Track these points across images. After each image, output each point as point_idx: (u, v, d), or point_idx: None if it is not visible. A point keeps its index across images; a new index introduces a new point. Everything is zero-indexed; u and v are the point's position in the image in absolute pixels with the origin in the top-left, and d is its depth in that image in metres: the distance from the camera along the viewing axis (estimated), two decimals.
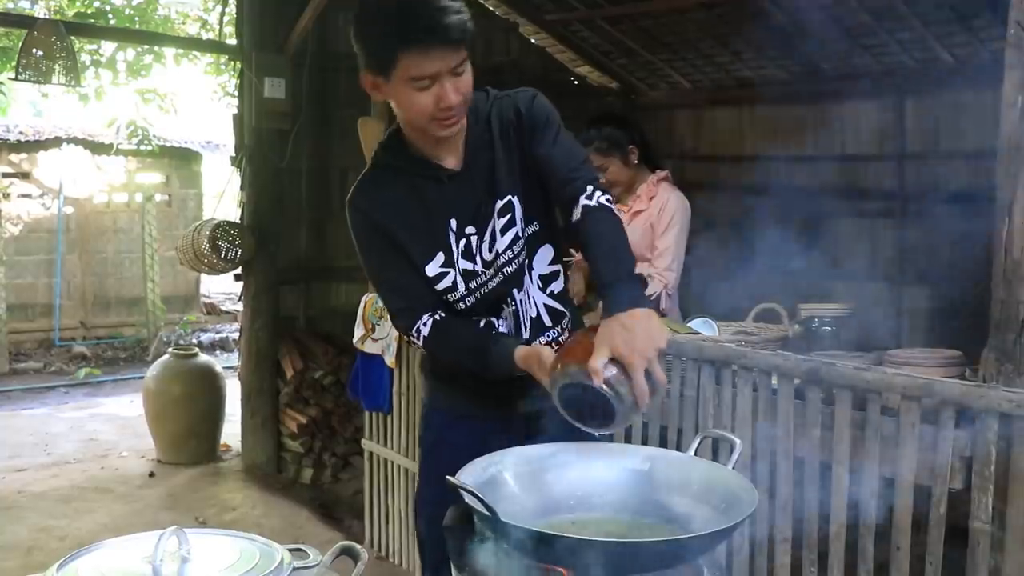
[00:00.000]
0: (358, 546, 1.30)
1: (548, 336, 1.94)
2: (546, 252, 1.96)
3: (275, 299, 5.22)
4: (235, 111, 5.33)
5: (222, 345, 10.04)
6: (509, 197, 1.89)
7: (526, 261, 1.93)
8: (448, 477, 1.39)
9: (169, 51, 8.71)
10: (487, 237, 1.89)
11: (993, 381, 1.95)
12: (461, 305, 1.91)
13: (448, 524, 1.49)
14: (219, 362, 6.04)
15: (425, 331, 1.88)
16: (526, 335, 1.91)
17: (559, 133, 1.91)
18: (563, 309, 1.98)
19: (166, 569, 1.18)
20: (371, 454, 4.01)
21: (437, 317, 1.88)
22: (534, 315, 1.93)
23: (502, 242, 1.89)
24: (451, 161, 1.90)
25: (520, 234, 1.90)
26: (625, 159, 3.47)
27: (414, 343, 1.93)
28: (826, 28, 4.59)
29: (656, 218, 3.40)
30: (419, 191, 1.89)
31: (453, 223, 1.89)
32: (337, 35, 5.26)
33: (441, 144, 1.89)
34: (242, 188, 5.22)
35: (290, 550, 1.32)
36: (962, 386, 1.96)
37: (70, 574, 1.22)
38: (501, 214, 1.89)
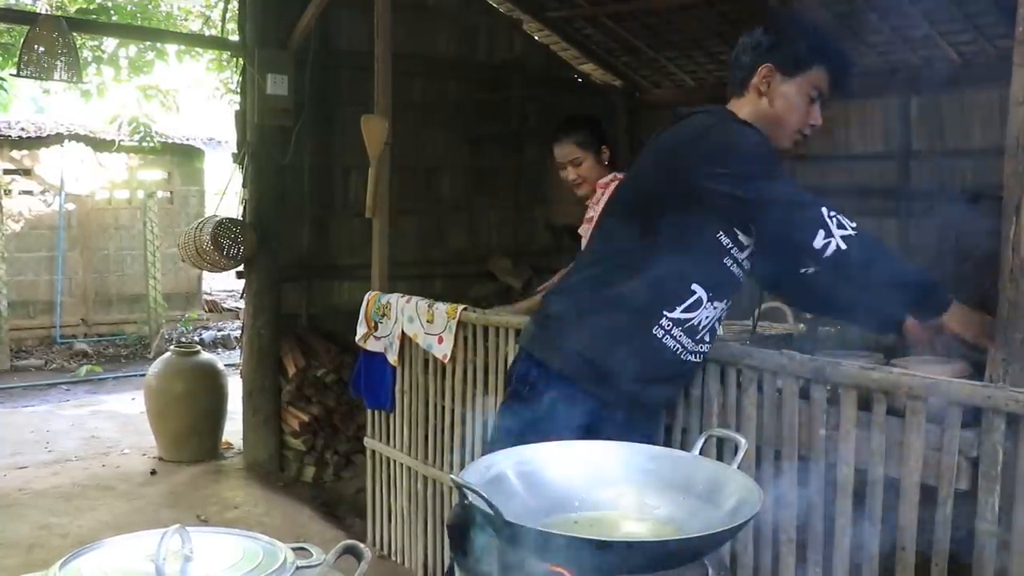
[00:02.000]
0: (361, 545, 1.29)
1: None
2: None
3: (277, 297, 5.22)
4: (237, 108, 5.32)
5: (224, 343, 10.04)
6: None
7: None
8: (452, 476, 1.39)
9: (171, 47, 8.70)
10: None
11: (1000, 381, 1.94)
12: None
13: (451, 523, 1.48)
14: (221, 360, 6.03)
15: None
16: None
17: None
18: None
19: (169, 568, 1.18)
20: (373, 452, 4.00)
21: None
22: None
23: None
24: None
25: None
26: (599, 157, 3.55)
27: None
28: (831, 26, 4.58)
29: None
30: None
31: None
32: (340, 32, 5.26)
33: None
34: (244, 185, 5.21)
35: (293, 549, 1.31)
36: (969, 386, 1.95)
37: (72, 572, 1.21)
38: None
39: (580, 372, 2.17)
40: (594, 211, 3.55)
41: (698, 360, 2.26)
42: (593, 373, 2.16)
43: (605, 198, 3.48)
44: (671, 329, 2.15)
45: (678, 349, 2.17)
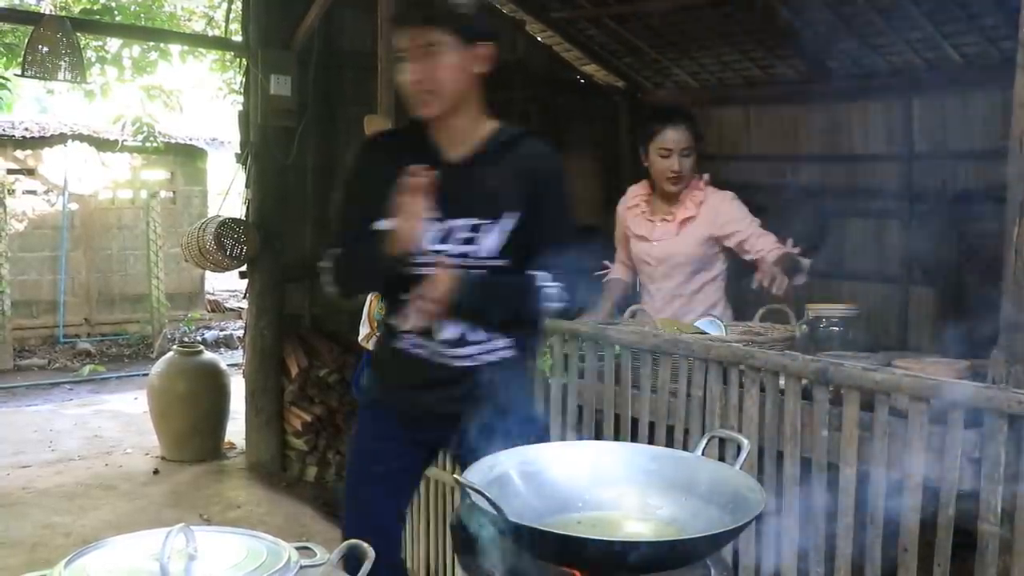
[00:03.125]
0: (365, 544, 1.29)
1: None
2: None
3: (280, 297, 5.22)
4: (240, 108, 5.33)
5: (226, 343, 10.04)
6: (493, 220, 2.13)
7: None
8: (456, 476, 1.39)
9: (175, 48, 8.71)
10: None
11: (1002, 382, 1.94)
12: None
13: (455, 523, 1.49)
14: (223, 360, 6.04)
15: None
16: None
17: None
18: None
19: (173, 566, 1.18)
20: None
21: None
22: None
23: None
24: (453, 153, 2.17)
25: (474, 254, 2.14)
26: (698, 154, 3.40)
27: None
28: (835, 27, 4.58)
29: (718, 226, 3.31)
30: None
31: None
32: (343, 32, 5.26)
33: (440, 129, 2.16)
34: (247, 185, 5.22)
35: (297, 548, 1.31)
36: (971, 387, 1.95)
37: (77, 571, 1.22)
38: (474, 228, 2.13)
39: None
40: (666, 225, 3.36)
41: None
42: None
43: (711, 210, 3.30)
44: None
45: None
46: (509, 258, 2.15)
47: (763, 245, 3.22)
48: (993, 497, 1.91)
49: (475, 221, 2.13)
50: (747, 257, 3.26)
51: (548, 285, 2.10)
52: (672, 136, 3.32)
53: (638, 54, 5.71)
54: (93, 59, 8.27)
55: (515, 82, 5.82)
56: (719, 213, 3.32)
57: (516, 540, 1.34)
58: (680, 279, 3.40)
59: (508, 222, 2.14)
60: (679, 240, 3.37)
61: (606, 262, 3.62)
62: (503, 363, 2.20)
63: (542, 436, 2.24)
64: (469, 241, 2.14)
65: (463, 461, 2.09)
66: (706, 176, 3.43)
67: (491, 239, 2.14)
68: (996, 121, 4.18)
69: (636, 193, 3.56)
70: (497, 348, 2.20)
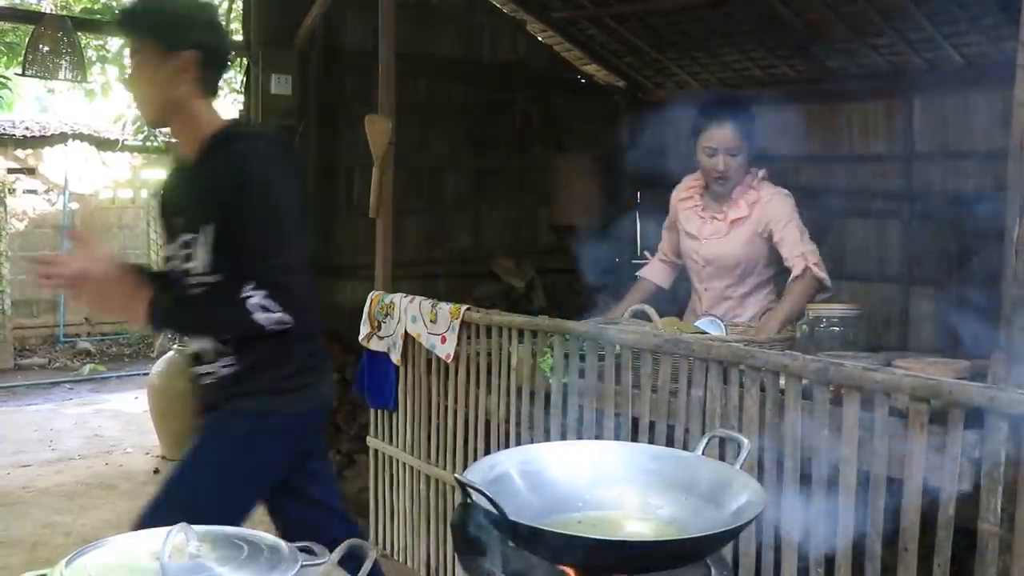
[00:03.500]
0: (366, 544, 1.29)
1: None
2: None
3: None
4: (241, 107, 5.33)
5: None
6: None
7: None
8: (455, 475, 1.39)
9: None
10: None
11: (1003, 382, 1.94)
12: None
13: (455, 522, 1.49)
14: None
15: None
16: None
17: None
18: None
19: (174, 566, 1.18)
20: (376, 452, 4.00)
21: None
22: None
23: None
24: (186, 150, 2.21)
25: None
26: (749, 156, 3.16)
27: None
28: (835, 27, 4.58)
29: (762, 224, 3.16)
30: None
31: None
32: (344, 32, 5.26)
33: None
34: None
35: (298, 547, 1.31)
36: (972, 387, 1.95)
37: (78, 570, 1.22)
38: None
39: None
40: (716, 224, 3.21)
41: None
42: None
43: (764, 210, 3.13)
44: None
45: None
46: (223, 272, 2.08)
47: (787, 253, 3.10)
48: (993, 497, 1.91)
49: (188, 236, 2.12)
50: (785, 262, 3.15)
51: (251, 296, 2.00)
52: (717, 134, 3.11)
53: (639, 54, 5.71)
54: (94, 58, 8.27)
55: (516, 82, 5.83)
56: (766, 211, 3.16)
57: (516, 539, 1.34)
58: (729, 281, 3.27)
59: (208, 235, 2.08)
60: (728, 241, 3.24)
61: (646, 252, 3.47)
62: (232, 379, 2.20)
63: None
64: (188, 258, 2.13)
65: None
66: (762, 172, 3.23)
67: (201, 253, 2.09)
68: (997, 122, 4.18)
69: (690, 184, 3.38)
70: (227, 365, 2.19)
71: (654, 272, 3.54)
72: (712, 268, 3.29)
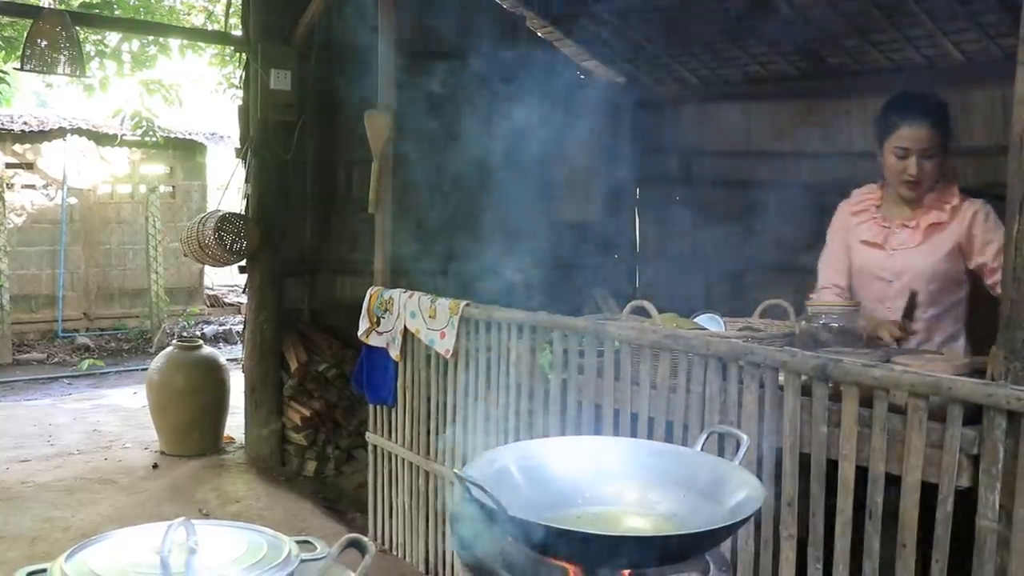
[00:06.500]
0: (365, 539, 1.30)
1: None
2: None
3: (279, 292, 5.22)
4: (240, 103, 5.32)
5: (225, 337, 10.05)
6: None
7: None
8: (455, 470, 1.40)
9: (174, 42, 8.69)
10: None
11: (1001, 379, 1.95)
12: None
13: (455, 518, 1.49)
14: (223, 354, 6.05)
15: None
16: None
17: None
18: None
19: (174, 560, 1.18)
20: (375, 447, 4.01)
21: None
22: None
23: None
24: None
25: None
26: (944, 157, 2.81)
27: None
28: (835, 24, 4.57)
29: (975, 237, 2.77)
30: None
31: None
32: (344, 27, 5.25)
33: None
34: (247, 180, 5.22)
35: (297, 542, 1.31)
36: (970, 384, 1.95)
37: (78, 564, 1.22)
38: None
39: None
40: (906, 232, 2.82)
41: None
42: None
43: (971, 220, 2.74)
44: None
45: None
46: None
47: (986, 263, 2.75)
48: (991, 493, 1.92)
49: None
50: (987, 282, 2.77)
51: None
52: (908, 134, 2.76)
53: (638, 50, 5.70)
54: (92, 53, 8.26)
55: (516, 79, 5.82)
56: (974, 223, 2.78)
57: (516, 535, 1.34)
58: (921, 297, 2.83)
59: None
60: (923, 250, 2.83)
61: (811, 295, 3.01)
62: None
63: None
64: None
65: None
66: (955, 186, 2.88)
67: None
68: (997, 119, 4.18)
69: (864, 196, 3.00)
70: None
71: None
72: (901, 283, 2.86)
